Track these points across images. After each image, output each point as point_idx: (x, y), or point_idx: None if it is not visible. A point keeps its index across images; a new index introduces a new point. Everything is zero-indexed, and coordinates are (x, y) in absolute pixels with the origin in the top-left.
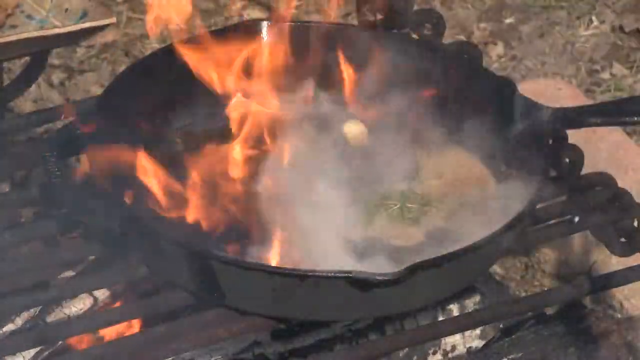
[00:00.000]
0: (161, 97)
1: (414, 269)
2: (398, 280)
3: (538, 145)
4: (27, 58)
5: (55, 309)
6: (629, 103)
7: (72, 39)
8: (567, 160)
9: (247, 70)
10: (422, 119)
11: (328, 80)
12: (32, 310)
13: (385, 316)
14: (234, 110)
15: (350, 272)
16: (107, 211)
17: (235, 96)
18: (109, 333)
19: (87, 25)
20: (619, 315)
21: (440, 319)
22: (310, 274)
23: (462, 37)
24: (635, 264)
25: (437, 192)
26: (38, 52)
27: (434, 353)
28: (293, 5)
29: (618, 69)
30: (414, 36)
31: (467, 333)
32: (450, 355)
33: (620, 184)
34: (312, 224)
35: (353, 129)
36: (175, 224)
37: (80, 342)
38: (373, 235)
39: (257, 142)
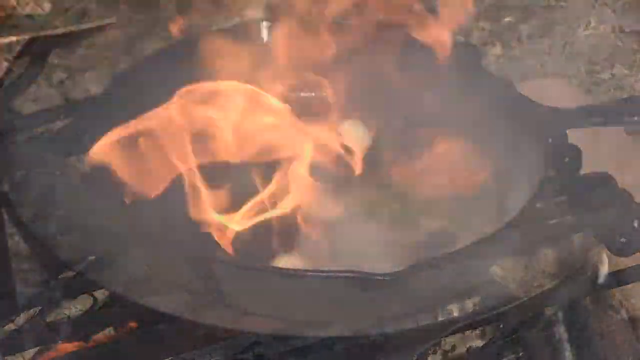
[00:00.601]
0: None
1: (413, 269)
2: (397, 280)
3: (538, 145)
4: (27, 58)
5: (55, 309)
6: (629, 103)
7: (72, 39)
8: (567, 160)
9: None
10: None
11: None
12: (32, 310)
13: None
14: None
15: (349, 271)
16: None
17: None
18: (108, 333)
19: (87, 25)
20: (619, 316)
21: (440, 319)
22: (310, 273)
23: (461, 38)
24: (635, 264)
25: (437, 192)
26: (38, 52)
27: (434, 353)
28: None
29: (618, 69)
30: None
31: (467, 333)
32: (450, 355)
33: (620, 184)
34: (311, 223)
35: (353, 129)
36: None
37: (80, 342)
38: (373, 235)
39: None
